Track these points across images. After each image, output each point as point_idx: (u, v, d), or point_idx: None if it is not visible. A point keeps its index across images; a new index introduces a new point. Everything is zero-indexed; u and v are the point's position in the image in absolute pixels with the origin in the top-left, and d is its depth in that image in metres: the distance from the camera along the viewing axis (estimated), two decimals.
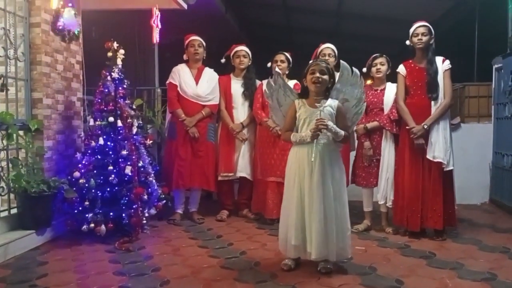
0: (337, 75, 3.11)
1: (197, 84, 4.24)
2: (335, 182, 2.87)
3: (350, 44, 9.29)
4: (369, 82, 4.28)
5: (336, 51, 4.09)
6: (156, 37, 5.29)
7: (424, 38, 3.58)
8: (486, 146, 5.06)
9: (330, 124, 2.82)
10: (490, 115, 5.22)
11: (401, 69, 3.72)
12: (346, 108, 3.00)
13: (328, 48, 4.07)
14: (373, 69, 3.87)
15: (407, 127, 3.60)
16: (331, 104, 2.92)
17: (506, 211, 4.59)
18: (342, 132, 2.87)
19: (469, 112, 5.62)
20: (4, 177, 3.37)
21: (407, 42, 3.69)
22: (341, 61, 3.04)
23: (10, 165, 3.41)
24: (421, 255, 3.21)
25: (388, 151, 3.79)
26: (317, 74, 2.86)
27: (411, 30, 3.66)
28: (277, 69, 3.68)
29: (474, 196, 4.98)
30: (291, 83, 4.05)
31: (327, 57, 3.99)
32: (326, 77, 2.89)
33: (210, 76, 4.33)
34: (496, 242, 3.51)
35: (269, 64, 4.23)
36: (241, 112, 4.35)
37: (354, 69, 3.03)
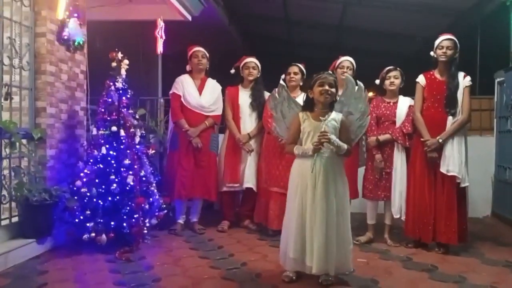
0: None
1: (201, 94, 4.27)
2: (339, 196, 2.85)
3: (352, 58, 9.32)
4: (370, 94, 4.28)
5: (354, 65, 4.09)
6: (160, 48, 5.33)
7: (449, 52, 3.54)
8: (488, 159, 5.06)
9: (333, 137, 2.81)
10: (492, 129, 5.23)
11: (421, 79, 3.68)
12: (350, 121, 3.00)
13: (347, 61, 4.06)
14: (387, 82, 3.86)
15: (421, 139, 3.58)
16: (335, 117, 2.91)
17: (508, 225, 4.56)
18: (345, 146, 2.86)
19: (471, 125, 5.62)
20: (6, 186, 3.37)
21: (431, 53, 3.65)
22: (345, 74, 3.04)
23: (12, 174, 3.41)
24: (423, 268, 3.19)
25: (400, 164, 3.77)
26: (326, 87, 2.86)
27: (437, 42, 3.61)
28: (281, 81, 3.67)
29: (476, 209, 4.95)
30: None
31: (345, 70, 3.98)
32: (334, 90, 2.90)
33: (213, 86, 4.35)
34: (499, 256, 3.49)
35: (282, 76, 4.15)
36: (248, 123, 4.36)
37: (358, 82, 3.05)
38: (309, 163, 2.84)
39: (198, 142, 4.15)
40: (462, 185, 3.52)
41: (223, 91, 4.43)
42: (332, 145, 2.82)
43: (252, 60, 4.40)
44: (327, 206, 2.79)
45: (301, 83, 4.17)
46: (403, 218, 3.77)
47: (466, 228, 3.64)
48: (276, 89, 3.18)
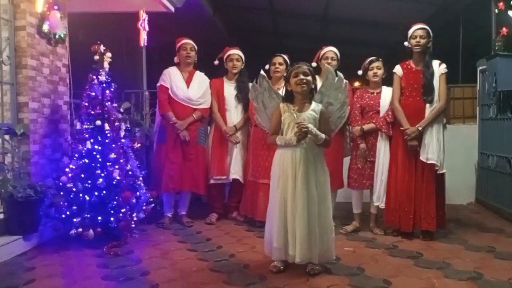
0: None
1: (188, 87, 4.24)
2: (319, 185, 2.89)
3: (338, 48, 9.34)
4: (356, 83, 4.31)
5: (338, 54, 4.09)
6: (143, 40, 5.28)
7: (422, 41, 3.60)
8: (472, 147, 5.14)
9: (311, 126, 2.83)
10: (475, 116, 5.30)
11: (398, 69, 3.74)
12: (329, 111, 3.02)
13: (331, 51, 4.06)
14: (370, 73, 3.89)
15: (401, 128, 3.62)
16: (314, 108, 2.93)
17: (491, 211, 4.65)
18: (323, 136, 2.88)
19: (455, 114, 5.70)
20: None
21: (405, 44, 3.71)
22: (325, 65, 3.05)
23: None
24: (409, 255, 3.25)
25: (383, 153, 3.81)
26: (301, 76, 2.89)
27: (410, 32, 3.67)
28: (262, 72, 3.65)
29: (460, 196, 5.05)
30: None
31: (329, 61, 3.98)
32: (309, 77, 2.91)
33: (201, 79, 4.33)
34: (482, 242, 3.56)
35: (267, 67, 4.16)
36: (234, 115, 4.35)
37: (338, 73, 3.06)
38: (289, 153, 2.87)
39: (185, 135, 4.14)
40: (439, 171, 3.59)
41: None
42: (310, 134, 2.84)
43: (235, 52, 4.37)
44: (308, 196, 2.83)
45: (285, 74, 4.14)
46: (381, 206, 3.82)
47: (444, 214, 3.73)
48: (257, 80, 3.17)
